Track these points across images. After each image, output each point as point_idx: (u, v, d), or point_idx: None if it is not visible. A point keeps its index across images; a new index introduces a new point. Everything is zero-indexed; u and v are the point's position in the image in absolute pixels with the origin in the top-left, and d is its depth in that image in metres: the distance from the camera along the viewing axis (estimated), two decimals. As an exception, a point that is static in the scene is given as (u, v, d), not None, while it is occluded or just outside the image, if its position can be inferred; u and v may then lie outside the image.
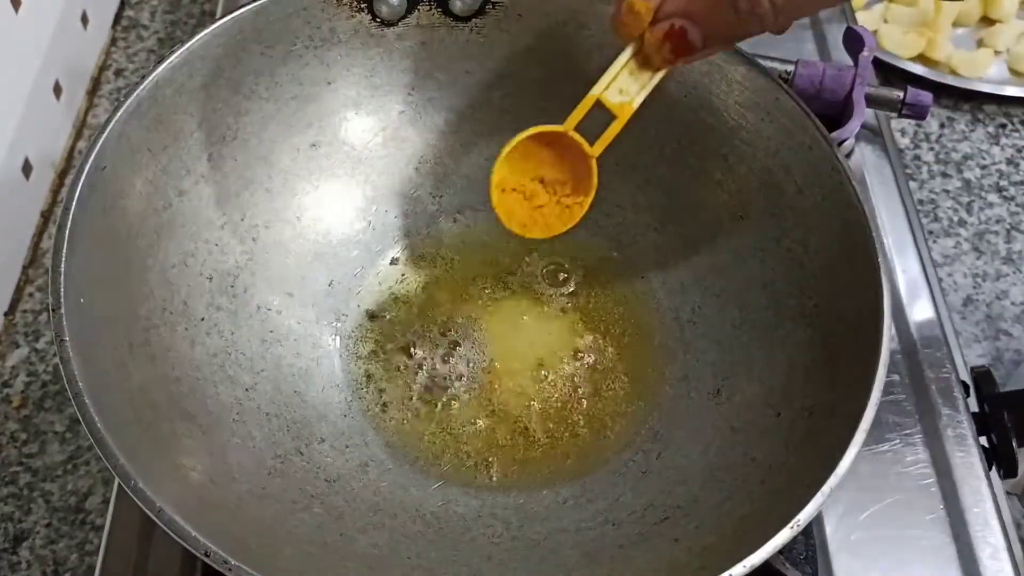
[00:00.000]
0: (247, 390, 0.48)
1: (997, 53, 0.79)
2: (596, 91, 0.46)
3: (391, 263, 0.56)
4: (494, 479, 0.49)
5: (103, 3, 0.78)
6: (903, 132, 0.75)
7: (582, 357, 0.53)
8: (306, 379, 0.51)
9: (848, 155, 0.64)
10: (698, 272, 0.54)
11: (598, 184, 0.51)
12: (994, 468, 0.54)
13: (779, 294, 0.50)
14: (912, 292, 0.60)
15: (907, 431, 0.54)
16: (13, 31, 0.63)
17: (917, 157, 0.74)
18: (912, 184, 0.71)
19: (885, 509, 0.51)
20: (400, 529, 0.46)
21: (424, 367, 0.52)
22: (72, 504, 0.56)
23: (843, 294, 0.47)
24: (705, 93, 0.52)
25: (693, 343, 0.52)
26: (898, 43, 0.77)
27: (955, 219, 0.71)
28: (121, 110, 0.46)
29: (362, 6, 0.53)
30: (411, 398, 0.51)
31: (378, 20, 0.53)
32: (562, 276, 0.56)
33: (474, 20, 0.54)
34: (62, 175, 0.70)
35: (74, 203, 0.43)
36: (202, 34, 0.49)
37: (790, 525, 0.38)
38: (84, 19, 0.74)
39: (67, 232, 0.43)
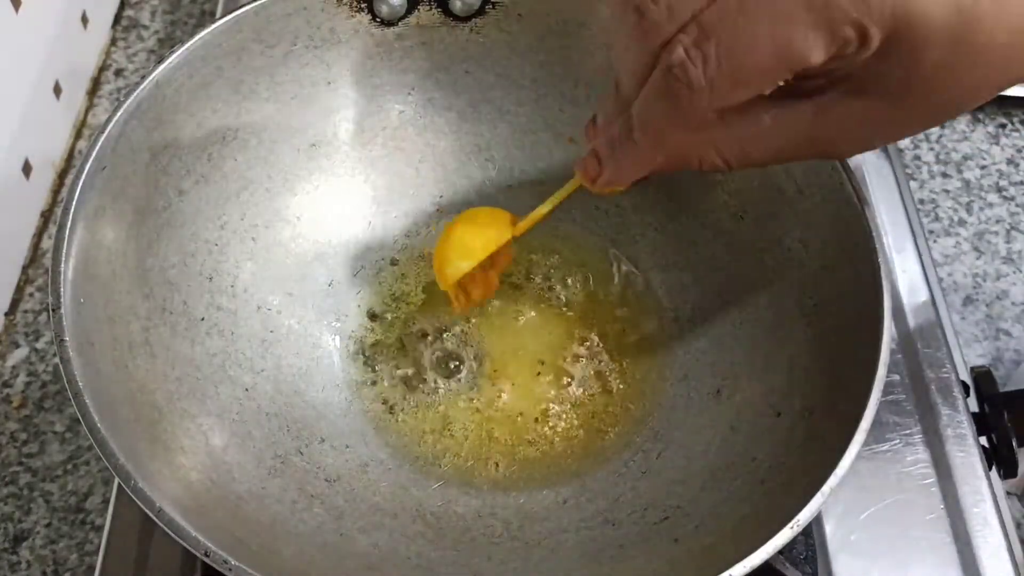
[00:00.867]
0: (247, 390, 0.48)
1: (997, 53, 0.79)
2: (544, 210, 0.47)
3: (391, 263, 0.56)
4: (494, 479, 0.49)
5: (103, 3, 0.78)
6: (903, 132, 0.75)
7: (582, 357, 0.53)
8: (306, 379, 0.51)
9: (848, 155, 0.64)
10: (698, 272, 0.54)
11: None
12: (994, 468, 0.54)
13: (779, 294, 0.50)
14: (912, 292, 0.60)
15: (907, 431, 0.54)
16: (13, 31, 0.63)
17: (917, 157, 0.74)
18: (912, 184, 0.71)
19: (885, 509, 0.51)
20: (400, 529, 0.46)
21: (424, 367, 0.52)
22: (72, 504, 0.56)
23: (843, 294, 0.47)
24: (705, 93, 0.52)
25: (693, 343, 0.52)
26: (898, 43, 0.77)
27: (955, 219, 0.71)
28: (121, 110, 0.46)
29: (362, 6, 0.53)
30: (411, 398, 0.51)
31: (378, 20, 0.53)
32: (562, 276, 0.56)
33: (474, 20, 0.54)
34: (62, 175, 0.70)
35: (74, 203, 0.43)
36: (202, 34, 0.49)
37: (790, 525, 0.38)
38: (84, 19, 0.74)
39: (67, 232, 0.43)
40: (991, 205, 0.72)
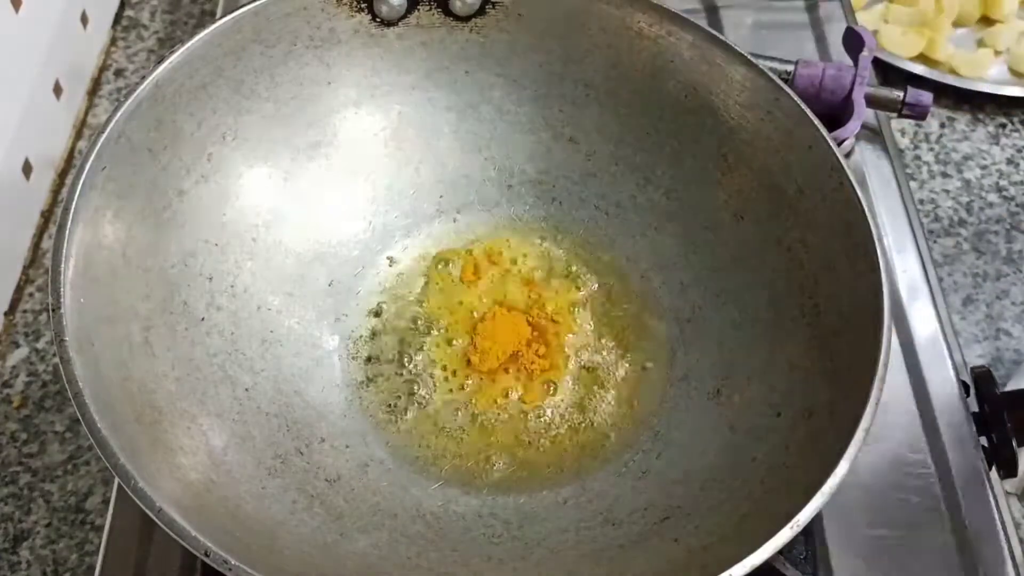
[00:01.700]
0: (247, 390, 0.48)
1: (997, 53, 0.79)
2: None
3: (391, 263, 0.56)
4: (494, 479, 0.49)
5: (103, 3, 0.78)
6: (903, 132, 0.75)
7: (582, 358, 0.53)
8: (306, 379, 0.51)
9: (848, 155, 0.65)
10: (698, 272, 0.54)
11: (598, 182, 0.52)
12: (994, 468, 0.54)
13: (779, 294, 0.50)
14: (912, 292, 0.60)
15: (907, 431, 0.54)
16: (13, 31, 0.63)
17: (917, 157, 0.74)
18: (912, 184, 0.71)
19: (885, 509, 0.51)
20: (400, 529, 0.46)
21: (424, 367, 0.52)
22: (72, 504, 0.56)
23: (843, 294, 0.47)
24: (705, 93, 0.52)
25: (693, 343, 0.52)
26: (898, 43, 0.77)
27: (955, 219, 0.71)
28: (121, 110, 0.46)
29: (362, 6, 0.53)
30: (411, 398, 0.51)
31: (378, 20, 0.53)
32: (562, 277, 0.56)
33: (474, 20, 0.54)
34: (62, 175, 0.70)
35: (74, 203, 0.43)
36: (202, 34, 0.49)
37: (790, 525, 0.38)
38: (84, 19, 0.74)
39: (67, 232, 0.43)
40: (991, 205, 0.71)
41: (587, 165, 0.56)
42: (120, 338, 0.44)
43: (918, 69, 0.75)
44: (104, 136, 0.45)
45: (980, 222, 0.71)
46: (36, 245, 0.67)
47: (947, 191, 0.72)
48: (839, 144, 0.53)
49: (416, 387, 0.52)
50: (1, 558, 0.54)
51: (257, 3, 0.50)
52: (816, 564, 0.49)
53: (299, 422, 0.49)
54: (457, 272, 0.55)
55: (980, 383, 0.57)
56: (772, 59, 0.63)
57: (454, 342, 0.53)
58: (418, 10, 0.54)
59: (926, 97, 0.64)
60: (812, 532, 0.50)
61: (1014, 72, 0.78)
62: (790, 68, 0.63)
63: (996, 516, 0.51)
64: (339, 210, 0.55)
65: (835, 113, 0.63)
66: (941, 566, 0.50)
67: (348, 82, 0.54)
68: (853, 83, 0.62)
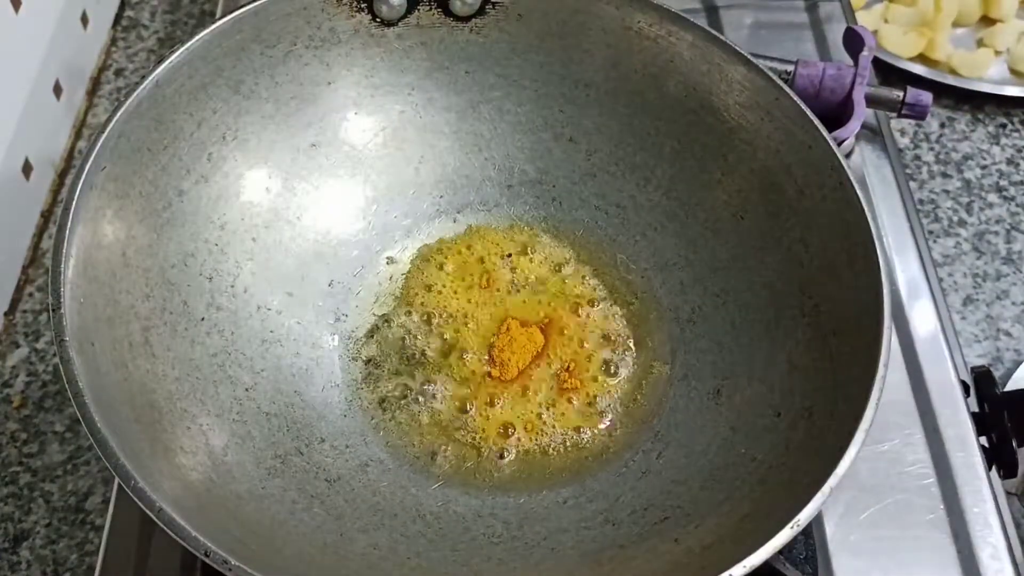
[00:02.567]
0: (247, 390, 0.48)
1: (997, 53, 0.79)
2: None
3: (391, 263, 0.56)
4: (494, 479, 0.49)
5: (103, 3, 0.78)
6: (903, 132, 0.75)
7: (582, 357, 0.53)
8: (306, 379, 0.51)
9: (848, 155, 0.65)
10: (698, 272, 0.54)
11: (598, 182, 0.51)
12: (994, 468, 0.54)
13: (779, 294, 0.50)
14: (912, 292, 0.60)
15: (907, 431, 0.54)
16: (13, 31, 0.63)
17: (917, 157, 0.74)
18: (912, 184, 0.71)
19: (885, 509, 0.51)
20: (400, 529, 0.46)
21: (424, 367, 0.52)
22: (72, 504, 0.56)
23: (843, 294, 0.47)
24: (705, 93, 0.52)
25: (693, 343, 0.52)
26: (898, 43, 0.77)
27: (955, 219, 0.71)
28: (121, 110, 0.46)
29: (362, 6, 0.53)
30: (411, 398, 0.51)
31: (378, 20, 0.53)
32: (562, 276, 0.56)
33: (474, 20, 0.54)
34: (62, 175, 0.70)
35: (74, 203, 0.43)
36: (202, 34, 0.49)
37: (790, 525, 0.38)
38: (84, 19, 0.74)
39: (67, 232, 0.43)
40: (991, 205, 0.71)
41: (587, 165, 0.56)
42: (120, 338, 0.44)
43: (918, 69, 0.75)
44: (104, 136, 0.45)
45: (980, 222, 0.71)
46: (36, 245, 0.67)
47: (947, 191, 0.72)
48: (839, 144, 0.53)
49: (416, 387, 0.52)
50: (1, 558, 0.54)
51: (257, 3, 0.50)
52: (816, 564, 0.49)
53: (299, 422, 0.49)
54: (457, 272, 0.55)
55: (980, 383, 0.57)
56: (772, 59, 0.63)
57: (455, 342, 0.53)
58: (418, 10, 0.54)
59: (926, 97, 0.64)
60: (812, 532, 0.50)
61: (1014, 72, 0.78)
62: (790, 68, 0.63)
63: (996, 516, 0.51)
64: (339, 210, 0.55)
65: (835, 113, 0.63)
66: (941, 566, 0.50)
67: (348, 82, 0.54)
68: (853, 83, 0.62)
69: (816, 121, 0.49)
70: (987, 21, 0.81)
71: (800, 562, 0.48)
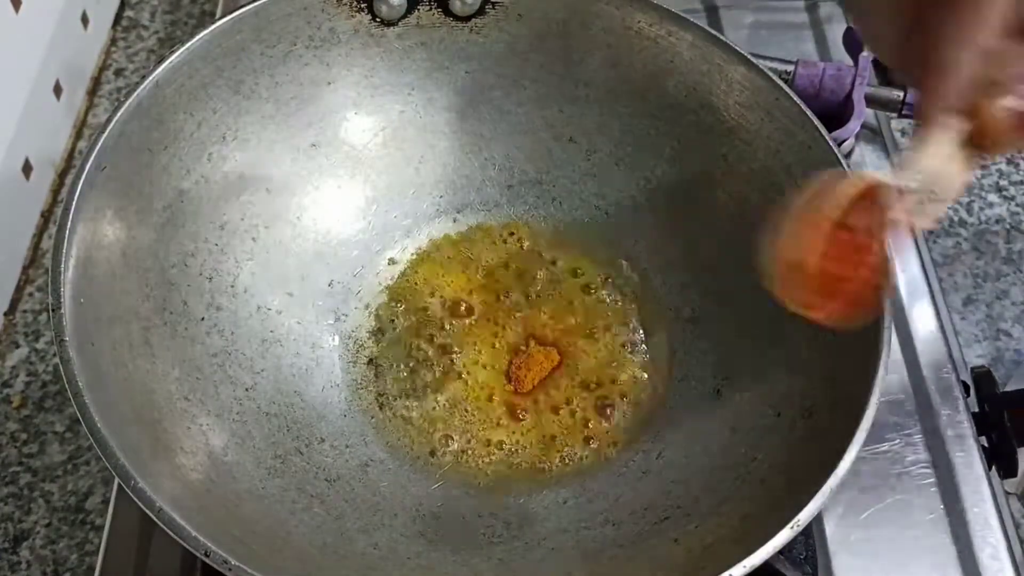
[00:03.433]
0: (247, 390, 0.48)
1: (997, 53, 0.79)
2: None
3: (391, 263, 0.56)
4: (494, 479, 0.49)
5: (103, 3, 0.78)
6: (903, 132, 0.75)
7: (582, 357, 0.53)
8: (306, 379, 0.51)
9: (848, 155, 0.64)
10: (698, 272, 0.54)
11: (598, 182, 0.51)
12: (994, 468, 0.54)
13: (779, 294, 0.50)
14: (912, 292, 0.60)
15: (907, 431, 0.54)
16: (13, 31, 0.63)
17: (917, 157, 0.74)
18: (912, 184, 0.71)
19: (885, 509, 0.51)
20: (400, 529, 0.46)
21: (424, 367, 0.52)
22: (72, 504, 0.56)
23: (843, 294, 0.47)
24: (705, 93, 0.52)
25: (693, 343, 0.52)
26: (898, 43, 0.77)
27: (955, 219, 0.71)
28: (121, 110, 0.46)
29: (362, 6, 0.53)
30: (411, 398, 0.51)
31: (378, 20, 0.53)
32: (563, 277, 0.56)
33: (474, 20, 0.54)
34: (62, 175, 0.70)
35: (74, 203, 0.43)
36: (202, 34, 0.49)
37: (790, 525, 0.38)
38: (84, 19, 0.74)
39: (67, 232, 0.43)
40: (991, 205, 0.71)
41: (587, 165, 0.56)
42: (120, 338, 0.44)
43: (918, 69, 0.75)
44: (104, 136, 0.45)
45: (980, 222, 0.71)
46: (36, 245, 0.67)
47: (947, 191, 0.72)
48: (839, 144, 0.53)
49: (416, 387, 0.52)
50: (1, 558, 0.54)
51: (257, 3, 0.50)
52: (816, 564, 0.49)
53: (299, 422, 0.49)
54: (457, 272, 0.55)
55: (980, 383, 0.57)
56: (772, 59, 0.63)
57: (454, 342, 0.53)
58: (418, 10, 0.54)
59: (926, 97, 0.64)
60: (812, 532, 0.50)
61: (1014, 72, 0.78)
62: (790, 68, 0.63)
63: (996, 516, 0.51)
64: (339, 210, 0.55)
65: (835, 113, 0.63)
66: (941, 566, 0.50)
67: (348, 82, 0.54)
68: (853, 83, 0.62)
69: (816, 121, 0.49)
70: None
71: (800, 562, 0.48)
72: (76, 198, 0.43)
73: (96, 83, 0.76)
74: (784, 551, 0.41)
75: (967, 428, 0.54)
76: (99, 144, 0.45)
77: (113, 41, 0.79)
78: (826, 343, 0.47)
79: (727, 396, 0.50)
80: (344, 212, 0.55)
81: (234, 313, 0.50)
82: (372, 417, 0.51)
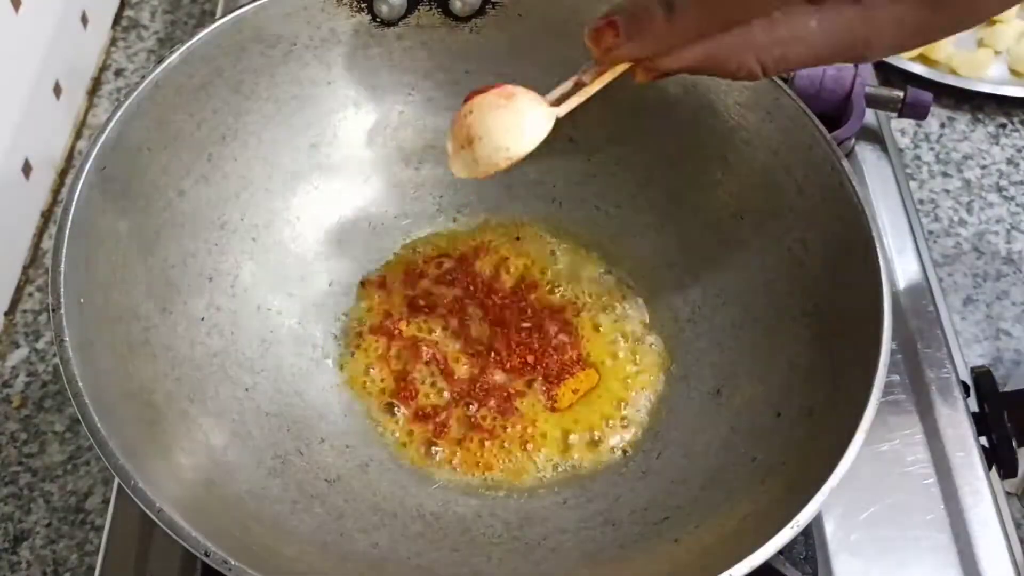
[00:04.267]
0: (247, 390, 0.48)
1: (997, 53, 0.79)
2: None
3: (391, 263, 0.56)
4: (494, 479, 0.49)
5: (103, 3, 0.78)
6: (903, 132, 0.75)
7: (582, 357, 0.53)
8: (306, 379, 0.51)
9: (848, 155, 0.64)
10: (698, 272, 0.54)
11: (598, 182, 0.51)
12: (994, 468, 0.54)
13: (779, 294, 0.50)
14: (912, 292, 0.60)
15: (907, 431, 0.54)
16: (13, 31, 0.63)
17: (917, 157, 0.74)
18: (912, 184, 0.71)
19: (885, 509, 0.51)
20: (400, 529, 0.46)
21: (424, 367, 0.52)
22: (72, 504, 0.56)
23: (843, 294, 0.47)
24: (705, 93, 0.52)
25: (693, 343, 0.52)
26: (898, 43, 0.77)
27: (955, 219, 0.71)
28: (121, 110, 0.46)
29: (362, 6, 0.53)
30: (411, 397, 0.51)
31: (378, 20, 0.53)
32: (563, 277, 0.56)
33: (474, 20, 0.54)
34: (62, 175, 0.70)
35: (74, 203, 0.43)
36: (202, 34, 0.49)
37: (790, 525, 0.38)
38: (84, 19, 0.74)
39: (67, 232, 0.43)
40: (991, 205, 0.71)
41: (587, 165, 0.56)
42: (120, 338, 0.44)
43: (918, 69, 0.75)
44: (104, 136, 0.45)
45: (980, 222, 0.71)
46: (36, 245, 0.67)
47: (947, 191, 0.72)
48: (839, 144, 0.53)
49: (416, 387, 0.52)
50: (1, 558, 0.54)
51: (257, 3, 0.50)
52: (816, 564, 0.49)
53: (299, 422, 0.49)
54: (457, 272, 0.55)
55: (980, 383, 0.57)
56: (772, 59, 0.63)
57: (455, 342, 0.53)
58: (418, 10, 0.54)
59: (926, 97, 0.64)
60: (812, 532, 0.50)
61: (1014, 72, 0.78)
62: (790, 68, 0.63)
63: (996, 516, 0.51)
64: (339, 210, 0.55)
65: (835, 113, 0.63)
66: (941, 566, 0.50)
67: (348, 82, 0.54)
68: (853, 83, 0.62)
69: (816, 121, 0.49)
70: (987, 21, 0.81)
71: (800, 562, 0.48)
72: (76, 198, 0.43)
73: (96, 83, 0.76)
74: (784, 551, 0.41)
75: (967, 428, 0.54)
76: (99, 144, 0.45)
77: (113, 41, 0.79)
78: (826, 343, 0.47)
79: (727, 396, 0.50)
80: (344, 212, 0.55)
81: (234, 313, 0.50)
82: (372, 417, 0.51)
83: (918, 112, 0.65)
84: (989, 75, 0.77)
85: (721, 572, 0.37)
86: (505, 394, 0.51)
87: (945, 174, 0.73)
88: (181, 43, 0.49)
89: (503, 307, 0.54)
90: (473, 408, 0.51)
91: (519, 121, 0.41)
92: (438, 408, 0.51)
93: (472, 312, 0.54)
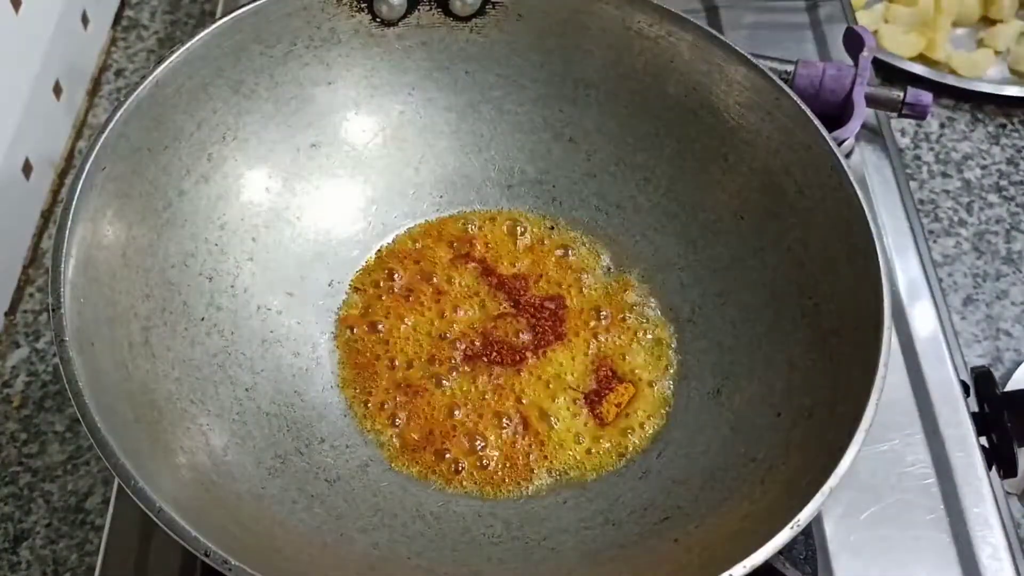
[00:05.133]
0: (247, 390, 0.48)
1: (997, 53, 0.79)
2: None
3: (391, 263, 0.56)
4: (494, 479, 0.49)
5: (103, 3, 0.78)
6: (903, 132, 0.75)
7: (582, 357, 0.53)
8: (306, 379, 0.51)
9: (848, 155, 0.65)
10: (698, 272, 0.54)
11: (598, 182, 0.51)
12: (994, 468, 0.54)
13: (779, 294, 0.50)
14: (912, 292, 0.60)
15: (907, 431, 0.54)
16: (13, 31, 0.63)
17: (917, 157, 0.74)
18: (912, 184, 0.71)
19: (885, 509, 0.51)
20: (400, 529, 0.46)
21: (423, 367, 0.52)
22: (72, 504, 0.56)
23: (843, 294, 0.47)
24: (705, 93, 0.52)
25: (693, 343, 0.52)
26: (898, 43, 0.77)
27: (955, 219, 0.71)
28: (121, 110, 0.46)
29: (362, 6, 0.53)
30: (411, 397, 0.51)
31: (378, 20, 0.53)
32: (562, 277, 0.56)
33: (474, 20, 0.54)
34: (62, 175, 0.70)
35: (74, 203, 0.43)
36: (202, 34, 0.49)
37: (790, 525, 0.38)
38: (84, 19, 0.74)
39: (67, 232, 0.43)
40: (991, 205, 0.72)
41: (587, 165, 0.56)
42: (120, 338, 0.44)
43: (918, 69, 0.75)
44: (104, 136, 0.45)
45: (980, 222, 0.71)
46: (36, 245, 0.67)
47: (947, 191, 0.72)
48: (839, 144, 0.53)
49: (416, 387, 0.52)
50: (1, 558, 0.54)
51: (257, 3, 0.50)
52: (816, 564, 0.49)
53: (299, 422, 0.49)
54: (457, 272, 0.55)
55: (980, 383, 0.57)
56: (772, 59, 0.63)
57: (455, 341, 0.53)
58: (418, 10, 0.54)
59: (926, 97, 0.64)
60: (812, 532, 0.50)
61: (1014, 72, 0.78)
62: (790, 68, 0.63)
63: (996, 516, 0.51)
64: (339, 210, 0.55)
65: (835, 113, 0.63)
66: (941, 566, 0.50)
67: (348, 82, 0.54)
68: (853, 83, 0.62)
69: (816, 121, 0.49)
70: (987, 21, 0.81)
71: (800, 562, 0.48)
72: (76, 198, 0.43)
73: (96, 83, 0.76)
74: (784, 551, 0.41)
75: (967, 428, 0.54)
76: (99, 144, 0.45)
77: (113, 41, 0.79)
78: (826, 344, 0.47)
79: (727, 396, 0.50)
80: (344, 212, 0.55)
81: (234, 313, 0.50)
82: (372, 417, 0.51)
83: (918, 112, 0.65)
84: (989, 75, 0.77)
85: (721, 572, 0.37)
86: (521, 417, 0.51)
87: (945, 174, 0.73)
88: (181, 43, 0.49)
89: (503, 307, 0.54)
90: (470, 407, 0.51)
91: None
92: (439, 408, 0.51)
93: (472, 312, 0.54)
